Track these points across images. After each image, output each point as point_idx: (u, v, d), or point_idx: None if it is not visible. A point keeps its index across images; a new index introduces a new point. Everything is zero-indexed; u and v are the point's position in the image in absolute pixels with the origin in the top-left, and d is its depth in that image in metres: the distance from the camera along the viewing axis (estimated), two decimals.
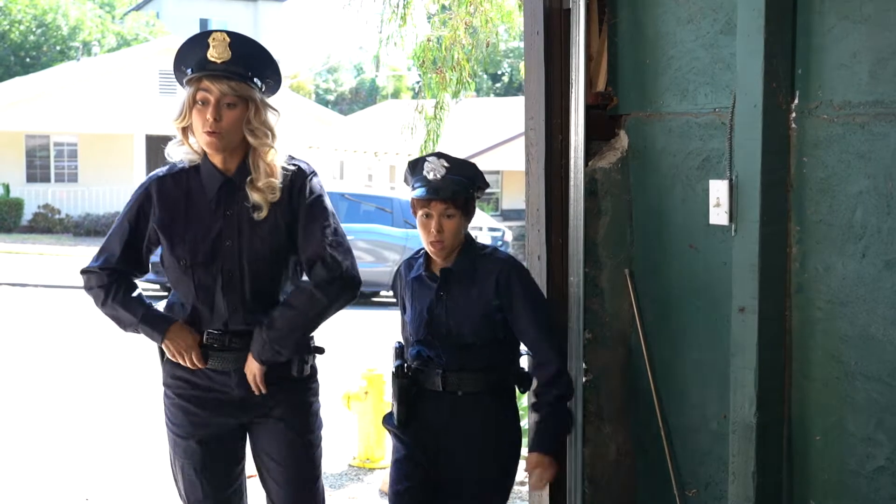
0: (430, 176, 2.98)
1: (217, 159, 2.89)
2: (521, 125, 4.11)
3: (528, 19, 3.57)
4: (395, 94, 43.24)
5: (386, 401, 5.86)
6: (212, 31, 2.86)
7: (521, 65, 4.46)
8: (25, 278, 16.39)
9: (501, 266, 3.00)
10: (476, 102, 28.92)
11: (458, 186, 2.97)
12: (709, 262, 3.15)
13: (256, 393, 2.93)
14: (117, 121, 25.62)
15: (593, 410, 3.50)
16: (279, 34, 45.71)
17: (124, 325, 2.99)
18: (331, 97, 48.70)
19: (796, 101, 2.83)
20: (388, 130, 28.58)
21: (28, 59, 36.89)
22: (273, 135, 2.90)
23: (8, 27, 36.44)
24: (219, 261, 2.87)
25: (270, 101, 2.95)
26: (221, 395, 2.96)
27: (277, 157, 2.91)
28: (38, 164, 26.70)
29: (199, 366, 2.93)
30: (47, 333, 10.96)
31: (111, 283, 2.96)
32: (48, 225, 25.11)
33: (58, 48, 36.86)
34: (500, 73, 44.62)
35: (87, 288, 3.02)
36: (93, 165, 26.65)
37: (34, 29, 36.65)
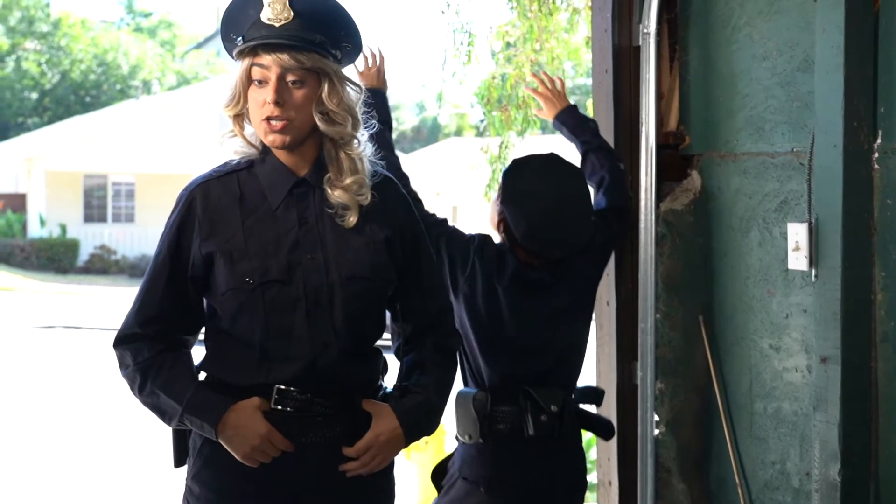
0: None
1: (283, 153, 2.27)
2: None
3: (596, 57, 3.57)
4: (458, 132, 43.48)
5: (448, 451, 5.84)
6: None
7: (589, 102, 4.46)
8: (81, 321, 16.67)
9: None
10: (542, 141, 28.99)
11: None
12: (788, 309, 3.10)
13: (350, 475, 2.25)
14: (175, 160, 26.10)
15: (666, 465, 3.45)
16: None
17: (168, 419, 2.23)
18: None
19: (879, 140, 2.79)
20: (450, 169, 28.76)
21: (88, 99, 37.82)
22: (356, 119, 2.27)
23: (69, 66, 37.41)
24: (299, 279, 2.21)
25: (348, 71, 2.31)
26: (285, 489, 2.24)
27: (363, 149, 2.31)
28: (96, 205, 27.27)
29: (288, 450, 2.20)
30: (101, 378, 11.11)
31: (153, 358, 2.23)
32: (104, 266, 25.57)
33: (118, 87, 37.75)
34: None
35: (121, 366, 2.27)
36: (150, 206, 27.14)
37: (95, 68, 37.58)
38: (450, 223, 2.98)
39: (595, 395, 3.12)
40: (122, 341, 2.26)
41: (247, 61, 2.20)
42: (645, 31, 3.40)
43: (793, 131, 3.07)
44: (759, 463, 3.26)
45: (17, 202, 27.44)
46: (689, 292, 3.44)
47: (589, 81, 4.44)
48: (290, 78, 2.18)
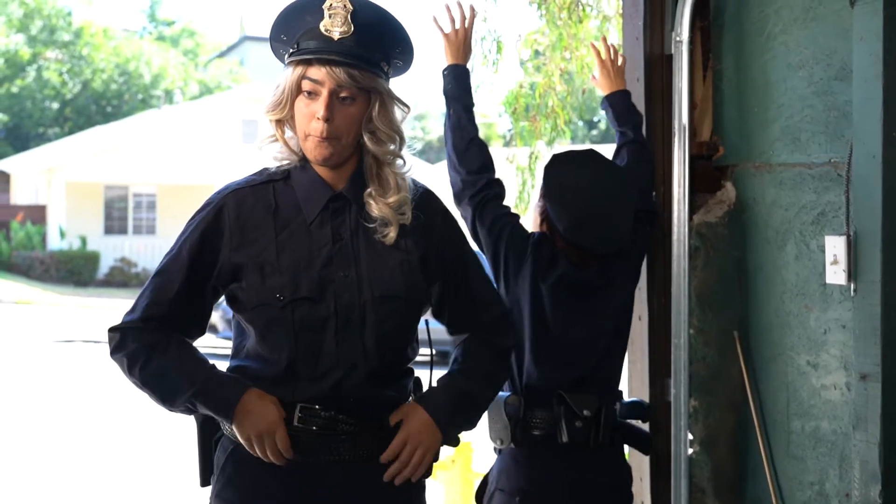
0: None
1: (324, 168, 2.26)
2: None
3: (627, 65, 3.57)
4: (486, 141, 43.50)
5: (475, 470, 5.83)
6: None
7: None
8: (100, 335, 16.77)
9: None
10: None
11: None
12: (826, 325, 3.09)
13: (397, 482, 2.23)
14: (198, 171, 26.27)
15: (700, 486, 3.43)
16: None
17: (172, 396, 2.20)
18: (418, 145, 49.02)
19: None
20: None
21: (109, 109, 38.13)
22: (402, 139, 2.29)
23: (90, 76, 37.75)
24: (330, 297, 2.20)
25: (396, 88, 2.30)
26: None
27: (408, 169, 2.32)
28: (116, 216, 27.48)
29: (286, 455, 2.17)
30: (120, 394, 11.16)
31: (158, 341, 2.20)
32: (124, 279, 25.73)
33: (139, 97, 38.04)
34: (596, 119, 44.60)
35: (117, 349, 2.22)
36: (171, 217, 27.31)
37: (116, 77, 37.89)
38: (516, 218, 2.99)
39: (641, 409, 3.10)
40: (120, 328, 2.23)
41: (299, 70, 2.19)
42: (677, 38, 3.40)
43: (830, 142, 3.06)
44: (797, 483, 3.23)
45: (37, 214, 27.67)
46: (723, 307, 3.43)
47: None
48: (342, 94, 2.18)
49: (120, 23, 69.14)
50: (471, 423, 2.34)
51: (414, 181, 2.35)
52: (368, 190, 2.26)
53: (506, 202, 3.01)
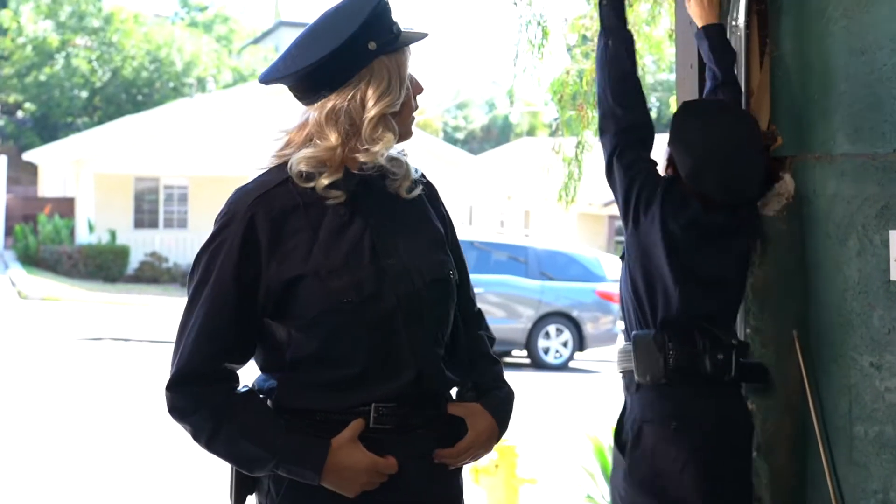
0: None
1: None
2: None
3: (680, 51, 3.57)
4: (531, 132, 43.51)
5: (520, 475, 5.84)
6: None
7: (672, 99, 4.44)
8: (130, 332, 16.97)
9: None
10: None
11: None
12: (890, 324, 3.07)
13: (453, 465, 2.33)
14: (231, 163, 26.42)
15: (757, 493, 3.43)
16: None
17: (251, 467, 2.17)
18: (460, 135, 49.32)
19: None
20: (522, 171, 28.79)
21: (140, 97, 38.50)
22: None
23: (120, 63, 38.12)
24: (389, 289, 2.22)
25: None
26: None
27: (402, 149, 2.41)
28: (146, 209, 27.73)
29: (391, 470, 2.20)
30: (151, 394, 11.27)
31: (220, 404, 2.16)
32: (155, 274, 25.97)
33: (171, 85, 38.39)
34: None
35: (177, 412, 2.18)
36: (203, 210, 27.51)
37: (147, 65, 38.25)
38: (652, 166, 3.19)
39: (761, 371, 3.34)
40: (181, 383, 2.16)
41: (400, 55, 2.26)
42: (733, 23, 3.39)
43: (894, 131, 3.04)
44: (860, 492, 3.22)
45: (65, 207, 28.01)
46: (781, 305, 3.42)
47: (672, 77, 4.42)
48: None
49: (151, 8, 69.83)
50: (507, 428, 2.43)
51: (415, 168, 2.38)
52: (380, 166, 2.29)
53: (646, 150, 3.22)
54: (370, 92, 2.21)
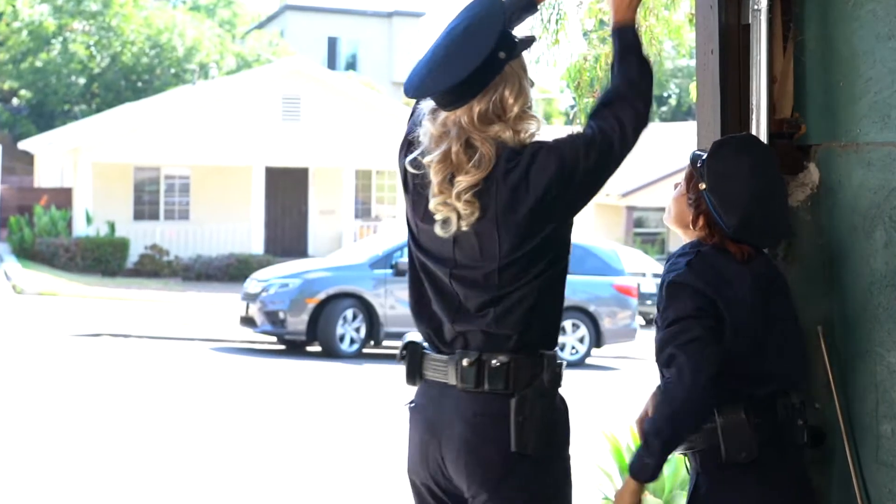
0: None
1: None
2: None
3: (700, 36, 3.57)
4: (546, 119, 43.33)
5: None
6: None
7: (692, 86, 4.45)
8: (130, 328, 17.01)
9: None
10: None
11: None
12: None
13: None
14: (234, 152, 26.47)
15: None
16: (416, 52, 46.60)
17: None
18: None
19: None
20: None
21: (140, 84, 38.55)
22: None
23: (120, 48, 38.15)
24: None
25: None
26: None
27: None
28: (147, 200, 27.78)
29: None
30: (150, 392, 11.31)
31: None
32: (155, 268, 26.02)
33: (172, 71, 38.42)
34: (666, 94, 44.20)
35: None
36: (206, 201, 27.55)
37: (147, 50, 38.27)
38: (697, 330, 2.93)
39: (820, 436, 3.29)
40: None
41: (523, 57, 2.85)
42: (755, 7, 3.39)
43: None
44: (887, 493, 3.23)
45: (62, 197, 28.06)
46: (805, 299, 3.42)
47: (692, 63, 4.42)
48: None
49: None
50: None
51: None
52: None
53: None
54: (507, 93, 2.76)
